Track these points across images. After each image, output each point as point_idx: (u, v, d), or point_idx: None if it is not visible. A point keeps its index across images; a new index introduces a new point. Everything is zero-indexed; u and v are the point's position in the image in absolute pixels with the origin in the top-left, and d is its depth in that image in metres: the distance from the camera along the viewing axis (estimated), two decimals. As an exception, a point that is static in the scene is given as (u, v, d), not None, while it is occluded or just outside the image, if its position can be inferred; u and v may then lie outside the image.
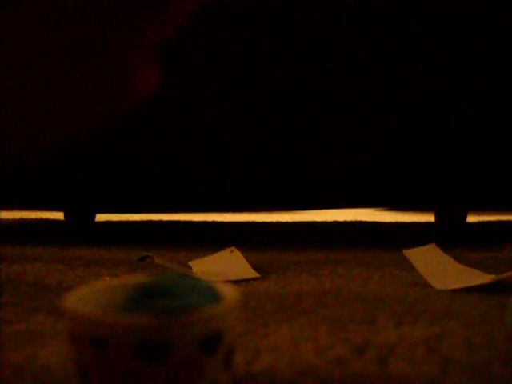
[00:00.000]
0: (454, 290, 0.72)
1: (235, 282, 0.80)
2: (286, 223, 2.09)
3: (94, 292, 0.38)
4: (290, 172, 1.20)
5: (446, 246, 0.94)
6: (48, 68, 1.14)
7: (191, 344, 0.32)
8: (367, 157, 1.18)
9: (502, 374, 0.37)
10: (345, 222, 2.07)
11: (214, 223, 2.03)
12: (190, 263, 0.93)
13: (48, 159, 1.20)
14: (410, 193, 1.43)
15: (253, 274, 0.85)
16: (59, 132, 1.18)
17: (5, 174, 1.23)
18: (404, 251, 0.82)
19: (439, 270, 0.79)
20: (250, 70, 1.15)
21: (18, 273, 0.85)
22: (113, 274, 0.81)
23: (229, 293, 0.37)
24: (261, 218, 2.61)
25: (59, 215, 2.14)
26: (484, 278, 0.75)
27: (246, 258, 0.92)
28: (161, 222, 2.02)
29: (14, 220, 2.09)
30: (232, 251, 0.94)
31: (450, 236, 1.54)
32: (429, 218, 2.35)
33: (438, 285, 0.74)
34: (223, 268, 0.89)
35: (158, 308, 0.32)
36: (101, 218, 2.16)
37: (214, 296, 0.36)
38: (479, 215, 2.30)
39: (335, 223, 2.04)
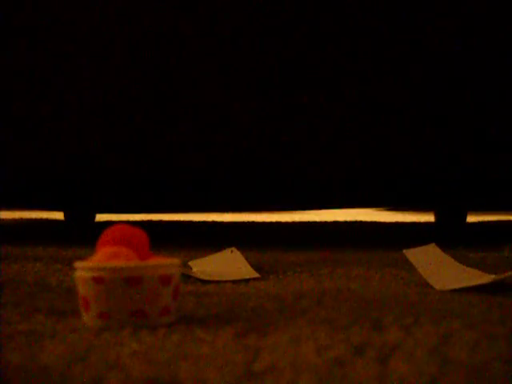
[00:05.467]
0: (454, 290, 0.72)
1: (235, 282, 0.80)
2: (286, 223, 2.09)
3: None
4: (290, 172, 1.20)
5: (446, 245, 0.94)
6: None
7: (154, 278, 0.53)
8: (367, 157, 1.18)
9: (503, 373, 0.37)
10: (345, 222, 2.07)
11: (214, 223, 2.03)
12: (190, 263, 0.93)
13: (48, 159, 1.20)
14: (410, 193, 1.43)
15: (253, 273, 0.85)
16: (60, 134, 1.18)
17: (5, 174, 1.23)
18: (404, 251, 0.81)
19: (439, 270, 0.79)
20: (250, 69, 1.15)
21: (18, 273, 0.85)
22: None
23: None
24: (261, 217, 2.61)
25: (59, 215, 2.14)
26: (484, 278, 0.75)
27: (246, 258, 0.92)
28: (161, 222, 2.03)
29: (14, 220, 2.09)
30: (232, 251, 0.94)
31: (450, 236, 1.54)
32: (429, 217, 2.35)
33: (438, 285, 0.74)
34: (223, 268, 0.89)
35: None
36: (101, 218, 2.15)
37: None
38: (479, 215, 2.30)
39: (335, 223, 2.04)
